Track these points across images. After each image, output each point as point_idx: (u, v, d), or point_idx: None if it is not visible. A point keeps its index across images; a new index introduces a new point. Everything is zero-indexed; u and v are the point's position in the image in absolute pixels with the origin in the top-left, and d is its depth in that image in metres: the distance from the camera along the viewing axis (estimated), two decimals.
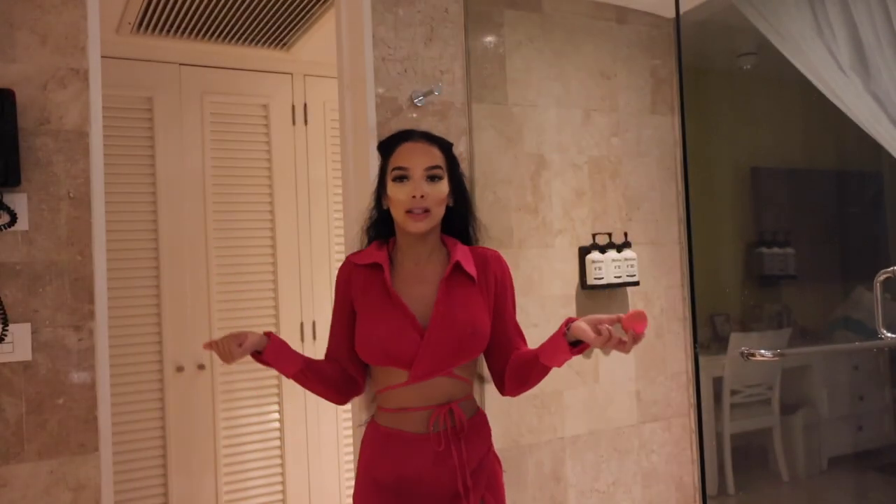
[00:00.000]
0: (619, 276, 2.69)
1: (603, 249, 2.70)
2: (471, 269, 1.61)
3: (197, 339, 3.12)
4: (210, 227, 3.20)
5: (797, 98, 2.65)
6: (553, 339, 1.48)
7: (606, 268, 2.67)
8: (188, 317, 3.13)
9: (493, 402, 2.51)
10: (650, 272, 2.88)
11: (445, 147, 1.65)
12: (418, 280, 1.61)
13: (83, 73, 1.91)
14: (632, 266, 2.73)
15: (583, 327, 1.40)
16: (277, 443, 3.29)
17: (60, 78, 1.89)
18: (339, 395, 1.67)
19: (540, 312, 2.63)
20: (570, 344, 1.45)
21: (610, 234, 2.76)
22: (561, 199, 2.71)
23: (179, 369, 3.10)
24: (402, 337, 1.54)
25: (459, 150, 2.49)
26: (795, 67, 2.23)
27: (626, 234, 2.78)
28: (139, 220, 3.07)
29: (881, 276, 1.87)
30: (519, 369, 1.60)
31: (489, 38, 2.60)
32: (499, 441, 2.50)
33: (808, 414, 2.94)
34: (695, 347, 2.83)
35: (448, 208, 1.65)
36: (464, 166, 2.49)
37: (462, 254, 1.63)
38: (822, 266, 2.89)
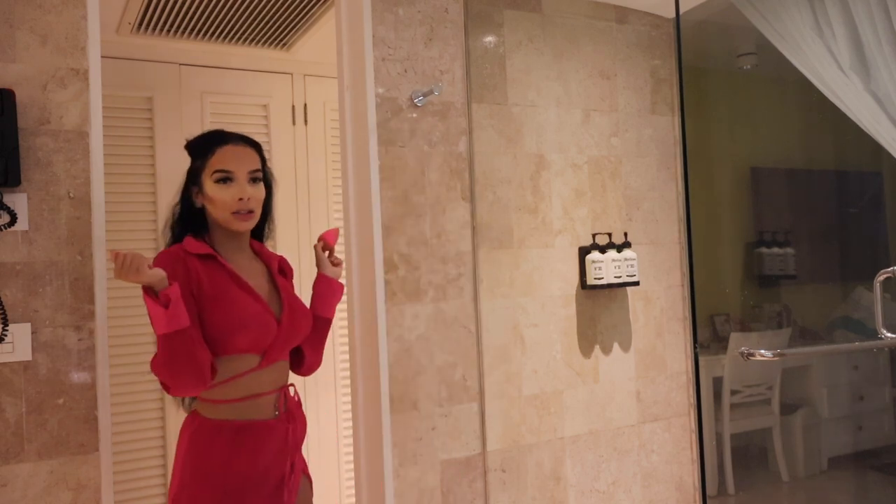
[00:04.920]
0: (619, 276, 2.69)
1: (603, 249, 2.70)
2: (285, 265, 1.86)
3: None
4: None
5: (797, 98, 2.65)
6: (324, 290, 1.86)
7: (606, 268, 2.67)
8: None
9: (492, 402, 2.51)
10: (650, 272, 2.88)
11: (259, 149, 1.76)
12: (249, 273, 1.74)
13: (83, 73, 1.91)
14: (632, 266, 2.73)
15: (329, 269, 1.88)
16: None
17: (60, 78, 1.89)
18: (205, 376, 1.55)
19: (540, 312, 2.63)
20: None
21: (610, 234, 2.76)
22: (561, 199, 2.71)
23: None
24: (266, 323, 1.65)
25: (459, 150, 2.49)
26: (795, 67, 2.23)
27: (626, 234, 2.78)
28: (139, 220, 3.07)
29: (881, 276, 1.87)
30: (313, 337, 1.83)
31: (489, 38, 2.60)
32: (499, 441, 2.51)
33: (808, 414, 2.94)
34: (695, 347, 2.83)
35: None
36: (463, 166, 2.50)
37: (269, 251, 1.84)
38: (822, 266, 2.89)
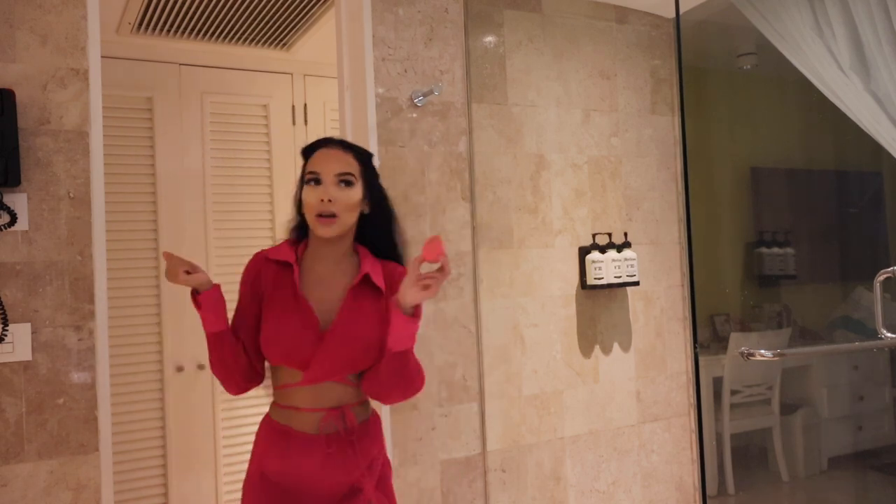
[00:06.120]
0: (619, 276, 2.69)
1: (603, 249, 2.70)
2: (379, 281, 1.64)
3: (197, 339, 3.10)
4: (210, 227, 3.20)
5: (797, 98, 2.66)
6: (392, 322, 1.51)
7: (606, 268, 2.67)
8: (188, 317, 3.12)
9: (492, 402, 2.51)
10: (650, 272, 2.88)
11: (362, 156, 1.67)
12: (325, 284, 1.64)
13: (83, 73, 1.91)
14: (632, 266, 2.73)
15: (408, 293, 1.47)
16: None
17: (60, 78, 1.89)
18: (242, 379, 1.63)
19: (540, 312, 2.63)
20: (407, 315, 1.51)
21: (610, 234, 2.76)
22: (561, 199, 2.71)
23: (179, 369, 3.10)
24: (302, 338, 1.56)
25: (459, 150, 2.49)
26: (795, 67, 2.23)
27: (626, 234, 2.78)
28: (139, 220, 3.07)
29: (881, 276, 1.87)
30: (378, 369, 1.59)
31: (489, 38, 2.60)
32: (499, 441, 2.51)
33: (808, 414, 2.95)
34: (695, 347, 2.83)
35: (365, 217, 1.67)
36: (463, 166, 2.50)
37: (371, 265, 1.65)
38: (822, 266, 2.90)
